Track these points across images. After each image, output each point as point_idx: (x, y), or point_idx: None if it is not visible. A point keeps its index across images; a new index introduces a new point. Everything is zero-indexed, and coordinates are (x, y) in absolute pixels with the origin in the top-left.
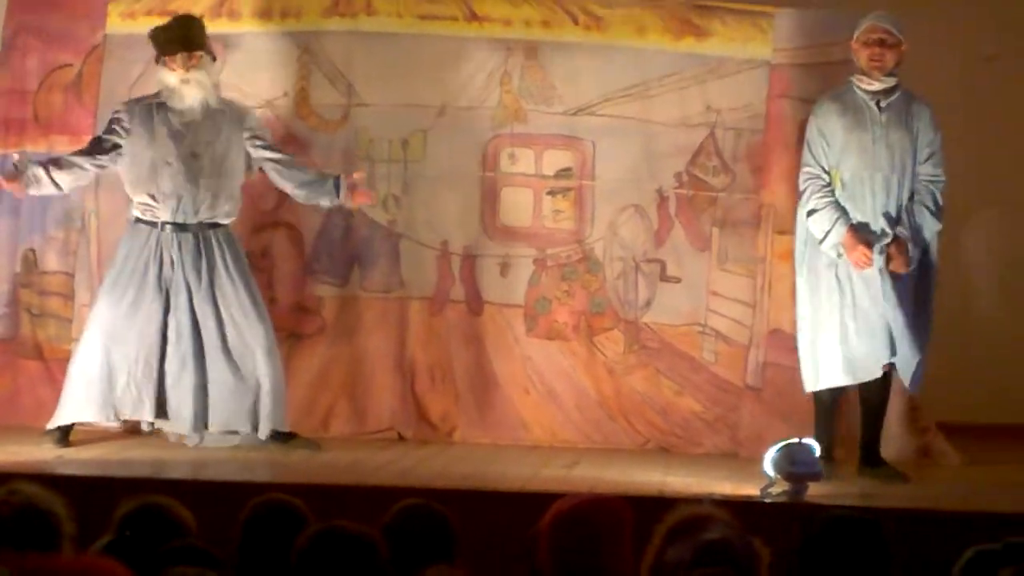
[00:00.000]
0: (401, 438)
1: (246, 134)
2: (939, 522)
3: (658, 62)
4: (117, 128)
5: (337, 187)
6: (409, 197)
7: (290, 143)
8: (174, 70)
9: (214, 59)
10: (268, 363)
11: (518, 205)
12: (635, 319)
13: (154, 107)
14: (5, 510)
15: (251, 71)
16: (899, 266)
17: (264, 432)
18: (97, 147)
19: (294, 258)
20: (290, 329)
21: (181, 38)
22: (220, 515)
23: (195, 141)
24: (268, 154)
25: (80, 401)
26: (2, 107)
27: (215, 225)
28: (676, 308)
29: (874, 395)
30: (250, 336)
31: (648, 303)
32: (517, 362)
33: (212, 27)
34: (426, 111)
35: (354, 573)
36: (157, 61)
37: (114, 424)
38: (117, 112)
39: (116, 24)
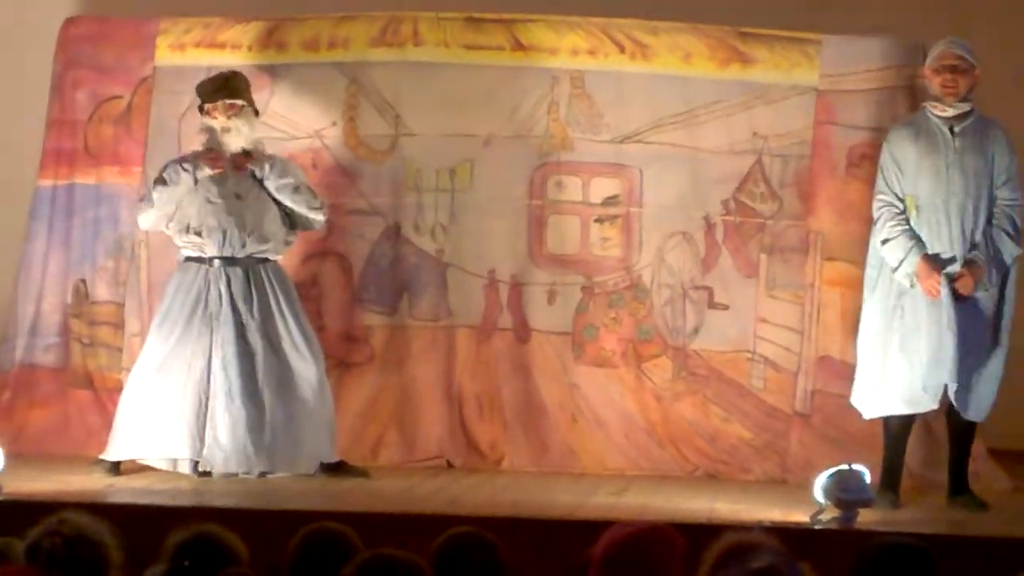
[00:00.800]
0: (450, 466)
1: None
2: (989, 547)
3: (704, 89)
4: (167, 181)
5: None
6: (456, 226)
7: (338, 173)
8: (215, 118)
9: (257, 113)
10: (320, 398)
11: (565, 233)
12: (683, 346)
13: (195, 159)
14: (56, 540)
15: (299, 101)
16: (965, 287)
17: (311, 468)
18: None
19: (343, 287)
20: (339, 358)
21: (223, 87)
22: (271, 544)
23: (238, 184)
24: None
25: (133, 438)
26: (53, 138)
27: (264, 260)
28: (724, 335)
29: (961, 422)
30: (302, 370)
31: (696, 330)
32: (565, 389)
33: (261, 58)
34: (473, 140)
35: None
36: (201, 111)
37: (164, 465)
38: (174, 161)
39: (165, 56)
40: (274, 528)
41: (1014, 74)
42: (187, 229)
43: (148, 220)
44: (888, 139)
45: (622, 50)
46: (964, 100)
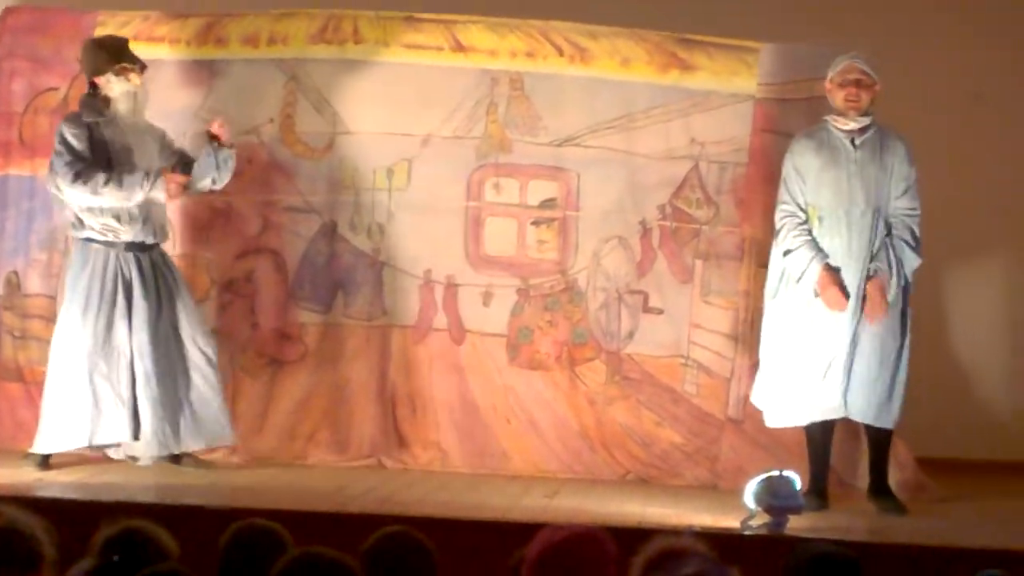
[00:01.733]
0: (382, 466)
1: (166, 151)
2: (915, 557)
3: (643, 95)
4: (86, 143)
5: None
6: (393, 225)
7: (275, 170)
8: (129, 80)
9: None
10: (219, 378)
11: (502, 235)
12: (617, 350)
13: (100, 126)
14: None
15: (237, 97)
16: (875, 308)
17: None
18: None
19: (277, 284)
20: (272, 355)
21: (128, 48)
22: (202, 540)
23: (143, 160)
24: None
25: (64, 430)
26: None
27: (157, 245)
28: (658, 340)
29: (875, 429)
30: (207, 350)
31: (630, 334)
32: (499, 391)
33: (200, 53)
34: (411, 140)
35: None
36: (105, 72)
37: (98, 452)
38: (74, 128)
39: None
40: (205, 524)
41: (971, 90)
42: (103, 212)
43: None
44: (791, 150)
45: (561, 53)
46: (866, 114)
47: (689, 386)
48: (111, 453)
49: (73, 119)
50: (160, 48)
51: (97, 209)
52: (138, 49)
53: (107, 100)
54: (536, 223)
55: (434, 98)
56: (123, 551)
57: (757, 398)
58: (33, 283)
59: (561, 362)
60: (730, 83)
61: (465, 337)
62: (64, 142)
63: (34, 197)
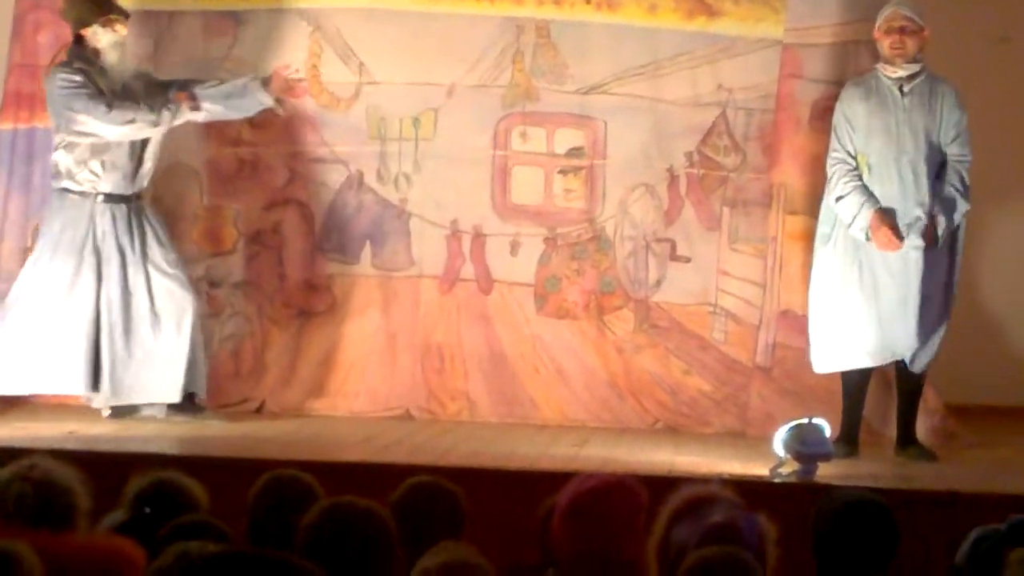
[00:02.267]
0: (410, 416)
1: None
2: (947, 503)
3: (669, 41)
4: (102, 104)
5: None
6: (420, 175)
7: (301, 121)
8: (117, 31)
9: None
10: (196, 329)
11: (529, 184)
12: (645, 298)
13: (94, 74)
14: (24, 485)
15: (262, 48)
16: (925, 238)
17: (178, 396)
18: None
19: (304, 235)
20: (300, 307)
21: (117, 3)
22: (231, 492)
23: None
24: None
25: (16, 373)
26: (14, 81)
27: (140, 195)
28: (686, 287)
29: (910, 375)
30: (182, 301)
31: (658, 282)
32: (527, 341)
33: (224, 3)
34: (437, 89)
35: (362, 549)
36: (91, 23)
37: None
38: (74, 75)
39: (127, 0)
40: (234, 476)
41: (998, 31)
42: (87, 161)
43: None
44: (840, 98)
45: (588, 0)
46: (914, 60)
47: (717, 334)
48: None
49: (65, 65)
50: None
51: (83, 159)
52: (162, 0)
53: (96, 51)
54: (563, 172)
55: (460, 47)
56: (154, 503)
57: (813, 350)
58: None
59: (589, 311)
60: (757, 28)
61: (493, 287)
62: (73, 83)
63: None
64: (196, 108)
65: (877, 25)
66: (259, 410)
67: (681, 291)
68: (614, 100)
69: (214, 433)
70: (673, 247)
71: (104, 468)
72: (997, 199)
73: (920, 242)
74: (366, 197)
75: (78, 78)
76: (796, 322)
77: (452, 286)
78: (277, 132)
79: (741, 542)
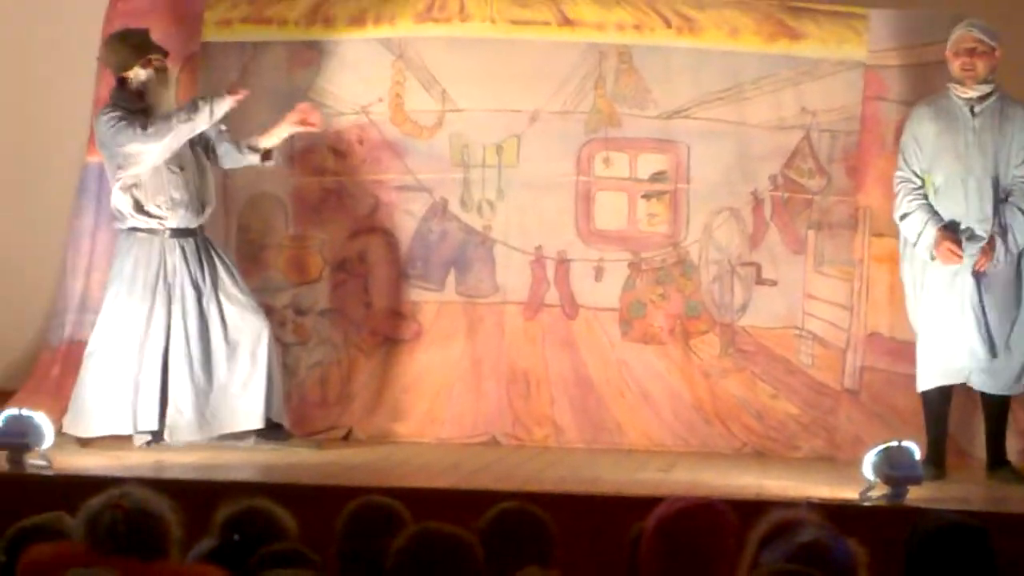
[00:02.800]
0: (497, 443)
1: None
2: None
3: (752, 64)
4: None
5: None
6: (503, 202)
7: (384, 149)
8: (154, 67)
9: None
10: (272, 355)
11: (612, 209)
12: (731, 322)
13: (137, 113)
14: (116, 513)
15: (345, 77)
16: (981, 263)
17: (260, 422)
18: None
19: (390, 263)
20: (386, 334)
21: (154, 42)
22: (319, 519)
23: (180, 152)
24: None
25: (105, 414)
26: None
27: (203, 227)
28: (772, 311)
29: (993, 396)
30: (256, 328)
31: (744, 306)
32: (612, 366)
33: (307, 34)
34: (520, 116)
35: (450, 574)
36: (132, 66)
37: (142, 440)
38: (115, 111)
39: (212, 32)
40: (322, 503)
41: None
42: (147, 200)
43: (148, 158)
44: (910, 117)
45: (668, 25)
46: (986, 81)
47: (804, 357)
48: (136, 441)
49: (109, 107)
50: (268, 29)
51: (141, 198)
52: (247, 31)
53: (140, 93)
54: (647, 196)
55: (542, 73)
56: (243, 530)
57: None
58: None
59: (675, 335)
60: (839, 50)
61: (578, 312)
62: (114, 118)
63: None
64: (243, 94)
65: (948, 47)
66: (346, 437)
67: (767, 315)
68: (697, 124)
69: (301, 460)
70: (758, 271)
71: (193, 496)
72: None
73: (978, 265)
74: (450, 224)
75: (117, 113)
76: (883, 344)
77: (537, 312)
78: (361, 161)
79: (831, 564)
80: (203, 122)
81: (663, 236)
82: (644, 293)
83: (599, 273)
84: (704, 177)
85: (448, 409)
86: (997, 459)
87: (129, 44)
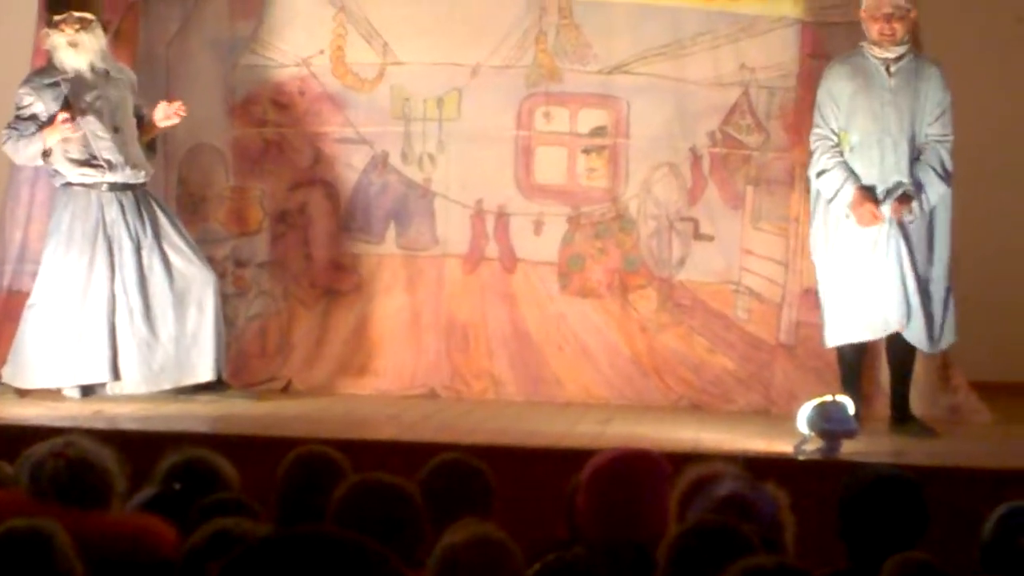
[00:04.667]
0: (436, 395)
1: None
2: (970, 479)
3: (691, 21)
4: (34, 108)
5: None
6: (444, 156)
7: (325, 101)
8: (63, 31)
9: (105, 30)
10: (218, 307)
11: (552, 163)
12: (668, 277)
13: (60, 84)
14: (60, 462)
15: (287, 29)
16: (897, 209)
17: (212, 374)
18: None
19: (330, 215)
20: (325, 286)
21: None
22: (260, 470)
23: (113, 113)
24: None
25: (46, 367)
26: (42, 63)
27: (143, 184)
28: (709, 266)
29: (899, 351)
30: (202, 280)
31: (682, 261)
32: (551, 319)
33: None
34: (461, 70)
35: (390, 524)
36: (49, 25)
37: (75, 393)
38: (26, 94)
39: None
40: (263, 454)
41: (1016, 11)
42: (77, 163)
43: (21, 155)
44: (825, 75)
45: None
46: (902, 43)
47: (741, 312)
48: (70, 394)
49: (28, 79)
50: None
51: (76, 156)
52: None
53: (54, 59)
54: (586, 151)
55: (483, 27)
56: (184, 481)
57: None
58: None
59: (613, 290)
60: (777, 7)
61: (517, 266)
62: (16, 104)
63: None
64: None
65: (864, 8)
66: (285, 389)
67: (704, 270)
68: (637, 80)
69: (241, 412)
70: (696, 226)
71: (134, 447)
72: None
73: (890, 212)
74: (391, 177)
75: (22, 90)
76: (817, 300)
77: (476, 265)
78: (302, 113)
79: (752, 514)
80: (33, 152)
81: (602, 191)
82: (583, 247)
83: (538, 227)
84: (643, 133)
85: (388, 361)
86: (902, 414)
87: (41, 6)
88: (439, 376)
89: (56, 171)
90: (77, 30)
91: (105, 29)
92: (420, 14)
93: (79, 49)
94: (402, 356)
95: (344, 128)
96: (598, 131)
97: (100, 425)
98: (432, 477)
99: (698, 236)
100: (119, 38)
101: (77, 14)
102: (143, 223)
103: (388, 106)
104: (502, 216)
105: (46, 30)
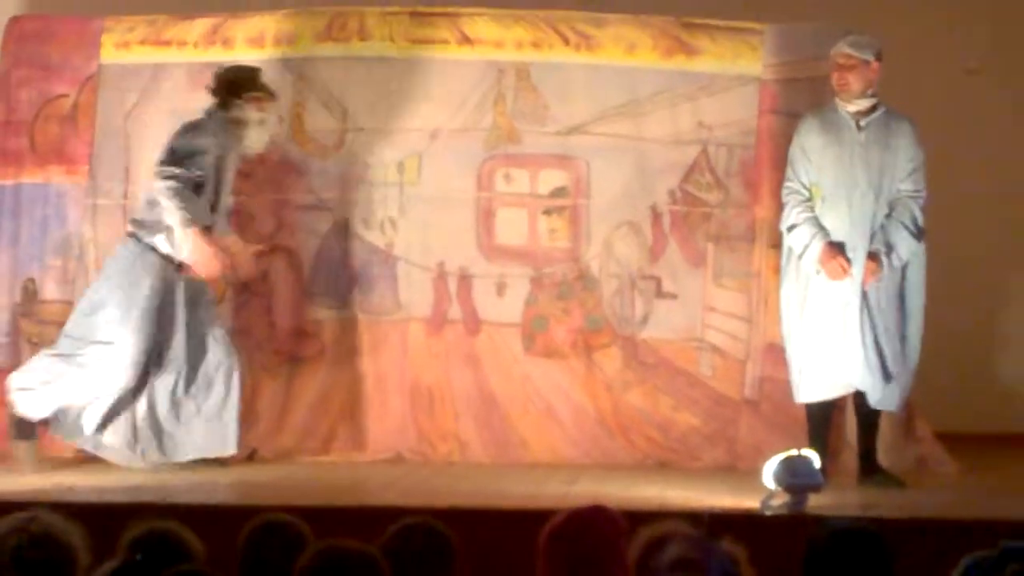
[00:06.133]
0: (402, 459)
1: None
2: (936, 531)
3: (649, 80)
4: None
5: None
6: (405, 220)
7: (287, 169)
8: (260, 109)
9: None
10: (239, 385)
11: (514, 225)
12: (632, 335)
13: (215, 153)
14: (23, 537)
15: None
16: (867, 278)
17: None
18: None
19: (293, 282)
20: (290, 353)
21: (259, 78)
22: (225, 539)
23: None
24: None
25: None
26: (0, 138)
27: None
28: (673, 324)
29: (866, 405)
30: (231, 359)
31: (645, 319)
32: (516, 381)
33: (206, 55)
34: (420, 134)
35: None
36: (231, 96)
37: (139, 464)
38: (203, 140)
39: (110, 54)
40: (228, 523)
41: (964, 62)
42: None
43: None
44: (797, 130)
45: (566, 42)
46: (867, 96)
47: (705, 369)
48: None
49: (194, 129)
50: (167, 52)
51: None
52: (145, 53)
53: (239, 122)
54: (547, 212)
55: (442, 91)
56: (148, 551)
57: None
58: (50, 290)
59: (577, 349)
60: (735, 65)
61: (480, 328)
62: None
63: (48, 204)
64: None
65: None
66: (251, 457)
67: (668, 328)
68: (596, 140)
69: (206, 480)
70: (659, 284)
71: (99, 519)
72: (976, 227)
73: (860, 275)
74: (353, 242)
75: (199, 145)
76: (782, 355)
77: (440, 329)
78: (263, 181)
79: (707, 572)
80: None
81: (564, 251)
82: (546, 308)
83: (501, 289)
84: (604, 192)
85: (353, 427)
86: (869, 466)
87: (239, 78)
88: (405, 440)
89: (148, 226)
90: (266, 109)
91: (76, 103)
92: (379, 80)
93: (263, 129)
94: (367, 421)
95: (305, 195)
96: (558, 192)
97: (66, 498)
98: (395, 542)
99: (660, 294)
100: (77, 111)
101: (267, 93)
102: (195, 303)
103: (349, 172)
104: (464, 278)
105: (239, 101)
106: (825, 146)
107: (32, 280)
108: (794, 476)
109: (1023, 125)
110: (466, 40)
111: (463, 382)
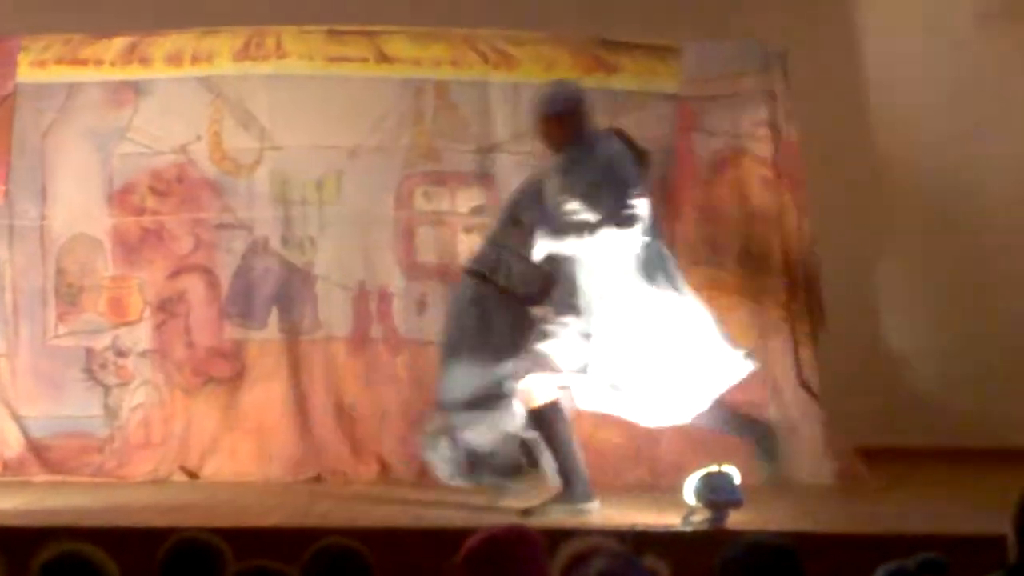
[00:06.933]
0: (323, 479)
1: None
2: (851, 545)
3: None
4: None
5: None
6: (325, 238)
7: (204, 187)
8: None
9: None
10: None
11: (434, 243)
12: None
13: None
14: None
15: (163, 116)
16: None
17: None
18: None
19: (210, 302)
20: (209, 374)
21: None
22: (142, 561)
23: None
24: None
25: None
26: None
27: None
28: None
29: None
30: None
31: None
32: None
33: (123, 73)
34: (339, 152)
35: None
36: None
37: None
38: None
39: (26, 73)
40: (145, 544)
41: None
42: None
43: None
44: None
45: (485, 60)
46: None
47: None
48: None
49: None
50: (84, 70)
51: None
52: (62, 72)
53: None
54: (467, 230)
55: (360, 110)
56: (61, 574)
57: None
58: None
59: None
60: (652, 83)
61: (402, 346)
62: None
63: None
64: None
65: None
66: (170, 479)
67: None
68: (515, 158)
69: (122, 503)
70: None
71: (13, 543)
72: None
73: None
74: (271, 262)
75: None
76: None
77: (361, 347)
78: (180, 200)
79: None
80: None
81: None
82: None
83: (422, 307)
84: None
85: (273, 447)
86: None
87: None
88: (326, 460)
89: None
90: None
91: None
92: (296, 98)
93: None
94: (288, 441)
95: (223, 214)
96: (478, 210)
97: None
98: (312, 563)
99: None
100: None
101: None
102: None
103: (267, 190)
104: (385, 297)
105: None
106: None
107: None
108: (714, 492)
109: None
110: (384, 58)
111: (385, 401)
